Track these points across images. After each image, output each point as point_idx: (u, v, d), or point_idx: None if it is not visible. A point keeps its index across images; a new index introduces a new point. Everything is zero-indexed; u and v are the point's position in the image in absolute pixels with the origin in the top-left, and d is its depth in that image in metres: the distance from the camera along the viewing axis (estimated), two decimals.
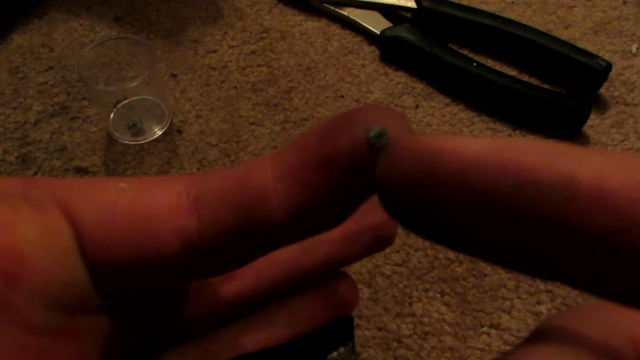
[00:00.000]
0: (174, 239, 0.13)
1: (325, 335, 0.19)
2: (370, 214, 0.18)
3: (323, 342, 0.19)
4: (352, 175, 0.12)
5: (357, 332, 0.34)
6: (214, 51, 0.48)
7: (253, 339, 0.17)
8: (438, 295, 0.36)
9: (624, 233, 0.08)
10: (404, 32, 0.47)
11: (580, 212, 0.08)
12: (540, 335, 0.11)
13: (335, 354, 0.19)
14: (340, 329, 0.19)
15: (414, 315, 0.35)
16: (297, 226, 0.13)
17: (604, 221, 0.08)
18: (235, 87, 0.46)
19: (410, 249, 0.37)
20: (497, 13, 0.49)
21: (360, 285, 0.36)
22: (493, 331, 0.34)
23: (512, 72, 0.47)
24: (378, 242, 0.19)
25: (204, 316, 0.17)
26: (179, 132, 0.44)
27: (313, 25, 0.50)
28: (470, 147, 0.09)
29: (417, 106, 0.45)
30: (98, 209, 0.13)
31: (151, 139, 0.43)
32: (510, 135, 0.43)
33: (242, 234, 0.13)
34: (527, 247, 0.09)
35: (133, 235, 0.13)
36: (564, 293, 0.35)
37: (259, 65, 0.47)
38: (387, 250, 0.37)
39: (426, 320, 0.35)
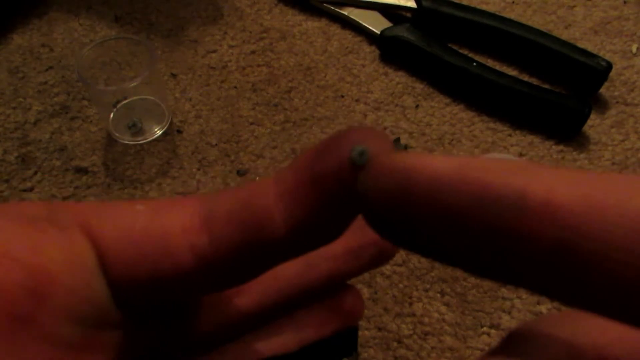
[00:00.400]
0: (189, 255, 0.14)
1: (329, 346, 0.19)
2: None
3: (327, 353, 0.19)
4: (340, 192, 0.13)
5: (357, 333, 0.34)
6: (214, 51, 0.48)
7: (261, 351, 0.18)
8: (438, 295, 0.36)
9: (570, 244, 0.08)
10: (404, 32, 0.47)
11: (530, 224, 0.09)
12: (504, 347, 0.12)
13: None
14: (344, 340, 0.19)
15: (414, 315, 0.35)
16: (297, 241, 0.14)
17: (552, 233, 0.09)
18: (235, 87, 0.46)
19: None
20: (497, 13, 0.49)
21: (360, 285, 0.36)
22: (493, 331, 0.34)
23: (512, 72, 0.47)
24: (380, 256, 0.19)
25: (215, 330, 0.18)
26: (179, 132, 0.44)
27: (313, 25, 0.50)
28: (438, 165, 0.10)
29: (417, 106, 0.45)
30: (118, 230, 0.14)
31: (151, 139, 0.43)
32: (510, 135, 0.43)
33: (249, 249, 0.14)
34: (489, 256, 0.10)
35: (151, 253, 0.14)
36: None
37: (259, 65, 0.47)
38: None
39: (426, 320, 0.35)
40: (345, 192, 0.12)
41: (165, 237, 0.14)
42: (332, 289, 0.19)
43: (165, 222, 0.14)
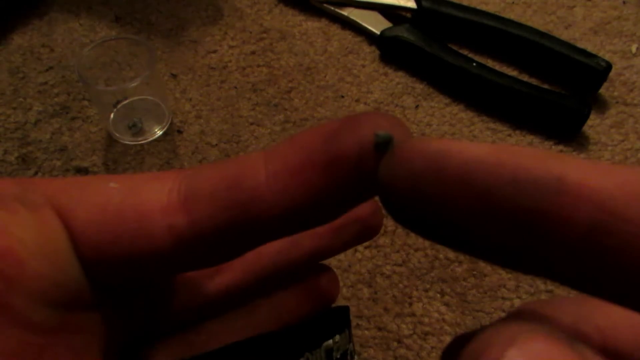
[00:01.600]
0: (166, 236, 0.13)
1: (320, 324, 0.19)
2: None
3: (318, 330, 0.19)
4: (357, 178, 0.12)
5: (357, 332, 0.34)
6: (214, 51, 0.48)
7: (238, 330, 0.18)
8: (438, 295, 0.36)
9: (606, 227, 0.09)
10: (404, 32, 0.47)
11: (566, 206, 0.09)
12: (513, 316, 0.12)
13: (330, 342, 0.19)
14: (335, 317, 0.20)
15: (414, 315, 0.35)
16: (290, 223, 0.13)
17: (588, 215, 0.09)
18: (235, 87, 0.46)
19: (410, 249, 0.37)
20: (497, 13, 0.49)
21: (360, 285, 0.36)
22: None
23: (512, 72, 0.47)
24: (364, 233, 0.19)
25: (193, 308, 0.17)
26: (179, 132, 0.44)
27: (313, 25, 0.50)
28: (472, 148, 0.10)
29: (417, 106, 0.45)
30: (90, 210, 0.13)
31: (151, 139, 0.43)
32: (510, 135, 0.43)
33: (233, 231, 0.13)
34: (519, 242, 0.10)
35: (126, 234, 0.13)
36: (564, 293, 0.35)
37: (259, 65, 0.47)
38: (387, 250, 0.37)
39: (426, 320, 0.35)
40: (361, 179, 0.12)
41: (141, 217, 0.13)
42: (309, 270, 0.19)
43: (141, 200, 0.13)
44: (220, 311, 0.18)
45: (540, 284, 0.36)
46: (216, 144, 0.43)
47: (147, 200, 0.13)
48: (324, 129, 0.13)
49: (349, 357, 0.21)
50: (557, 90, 0.45)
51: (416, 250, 0.37)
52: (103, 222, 0.13)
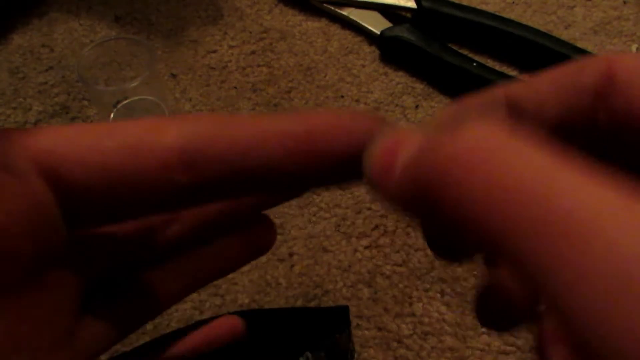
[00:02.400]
0: (164, 190, 0.14)
1: (320, 323, 0.19)
2: None
3: (318, 330, 0.19)
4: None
5: (357, 332, 0.34)
6: (214, 51, 0.48)
7: (183, 276, 0.18)
8: (438, 295, 0.36)
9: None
10: (404, 32, 0.47)
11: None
12: None
13: (330, 342, 0.19)
14: (335, 317, 0.20)
15: (414, 315, 0.35)
16: (291, 184, 0.14)
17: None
18: (235, 87, 0.46)
19: (410, 249, 0.37)
20: (497, 13, 0.49)
21: (360, 285, 0.36)
22: (493, 331, 0.34)
23: (512, 72, 0.47)
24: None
25: (147, 254, 0.18)
26: None
27: (313, 25, 0.50)
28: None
29: (417, 106, 0.45)
30: (88, 172, 0.13)
31: None
32: None
33: (234, 188, 0.14)
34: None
35: (125, 190, 0.13)
36: None
37: (259, 65, 0.47)
38: (387, 250, 0.37)
39: (426, 320, 0.35)
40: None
41: (142, 174, 0.13)
42: (249, 219, 0.20)
43: (142, 159, 0.13)
44: (170, 257, 0.18)
45: None
46: None
47: (148, 157, 0.13)
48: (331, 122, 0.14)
49: (349, 357, 0.21)
50: None
51: (416, 250, 0.37)
52: (104, 185, 0.13)
